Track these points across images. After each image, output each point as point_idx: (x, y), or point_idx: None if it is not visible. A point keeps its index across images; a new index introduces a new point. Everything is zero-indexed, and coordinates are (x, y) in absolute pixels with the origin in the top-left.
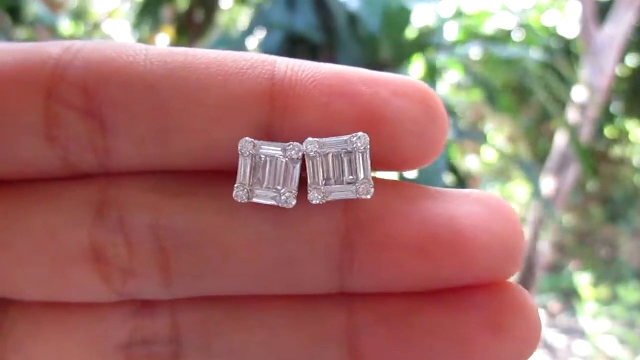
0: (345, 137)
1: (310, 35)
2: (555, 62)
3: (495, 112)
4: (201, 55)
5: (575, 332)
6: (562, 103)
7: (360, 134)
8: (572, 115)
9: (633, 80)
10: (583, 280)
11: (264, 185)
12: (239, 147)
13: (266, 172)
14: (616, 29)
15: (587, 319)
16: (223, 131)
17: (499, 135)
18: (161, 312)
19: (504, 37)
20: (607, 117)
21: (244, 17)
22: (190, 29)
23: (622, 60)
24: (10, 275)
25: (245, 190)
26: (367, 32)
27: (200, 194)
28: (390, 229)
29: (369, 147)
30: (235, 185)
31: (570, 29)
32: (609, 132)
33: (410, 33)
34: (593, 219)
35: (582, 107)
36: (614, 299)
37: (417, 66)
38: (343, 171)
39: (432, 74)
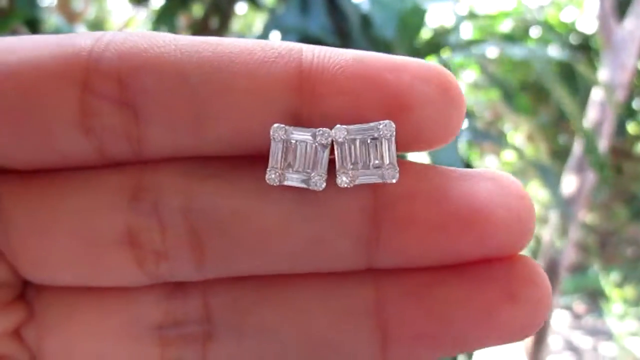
0: (372, 124)
1: (324, 38)
2: (574, 58)
3: (513, 111)
4: (230, 44)
5: (601, 334)
6: (581, 102)
7: (386, 121)
8: (592, 113)
9: None
10: (609, 280)
11: (294, 169)
12: (271, 133)
13: (296, 156)
14: (636, 24)
15: (613, 319)
16: (253, 118)
17: (518, 134)
18: (193, 293)
19: (521, 35)
20: (630, 114)
21: (259, 22)
22: (206, 36)
23: None
24: (48, 261)
25: (277, 174)
26: (381, 34)
27: (230, 177)
28: (412, 208)
29: (394, 133)
30: (268, 169)
31: (589, 25)
32: (631, 128)
33: (425, 33)
34: (617, 218)
35: (602, 105)
36: None
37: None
38: (369, 156)
39: None
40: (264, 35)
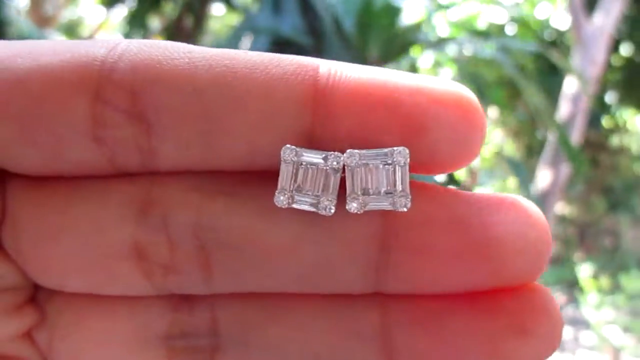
0: (386, 150)
1: (297, 38)
2: (548, 54)
3: (486, 107)
4: (245, 59)
5: (581, 323)
6: (554, 97)
7: (400, 148)
8: (564, 107)
9: (627, 69)
10: (584, 270)
11: (304, 191)
12: (281, 154)
13: (307, 179)
14: (605, 19)
15: (590, 309)
16: (266, 136)
17: (496, 130)
18: (201, 306)
19: (497, 32)
20: (603, 107)
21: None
22: (180, 36)
23: (615, 50)
24: (56, 268)
25: (287, 196)
26: (353, 32)
27: (241, 195)
28: (426, 236)
29: (408, 160)
30: (277, 191)
31: (562, 21)
32: (606, 122)
33: (398, 30)
34: (595, 210)
35: (575, 98)
36: (616, 288)
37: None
38: (381, 182)
39: (415, 72)
40: (237, 36)
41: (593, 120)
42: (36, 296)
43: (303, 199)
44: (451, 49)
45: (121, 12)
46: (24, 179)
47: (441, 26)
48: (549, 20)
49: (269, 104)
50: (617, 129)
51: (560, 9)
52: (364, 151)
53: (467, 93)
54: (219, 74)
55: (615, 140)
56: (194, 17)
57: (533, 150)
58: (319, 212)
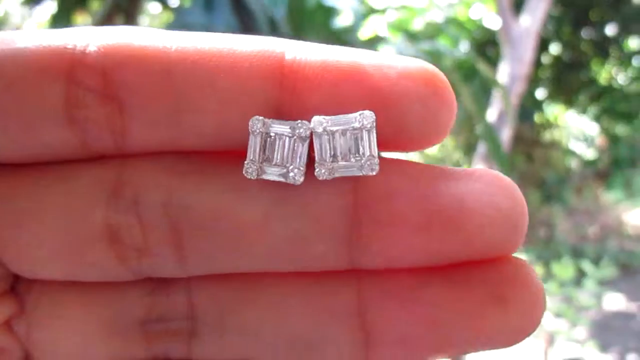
0: (352, 115)
1: None
2: (474, 57)
3: None
4: (214, 39)
5: None
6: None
7: (366, 112)
8: (496, 105)
9: (556, 67)
10: None
11: (273, 163)
12: (249, 125)
13: (275, 150)
14: (531, 20)
15: None
16: (233, 111)
17: None
18: (177, 289)
19: (432, 33)
20: (535, 104)
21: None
22: None
23: (545, 49)
24: (28, 254)
25: (255, 167)
26: (287, 31)
27: (211, 173)
28: (395, 207)
29: (375, 124)
30: (245, 162)
31: (493, 21)
32: (537, 118)
33: (332, 31)
34: (530, 202)
35: (505, 96)
36: (549, 277)
37: None
38: (350, 148)
39: None
40: None
41: (525, 117)
42: (16, 286)
43: (272, 169)
44: (387, 50)
45: (47, 9)
46: None
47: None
48: (481, 20)
49: (236, 79)
50: (549, 124)
51: (491, 10)
52: (330, 117)
53: (436, 70)
54: (187, 53)
55: (547, 135)
56: (124, 16)
57: (471, 147)
58: (288, 182)
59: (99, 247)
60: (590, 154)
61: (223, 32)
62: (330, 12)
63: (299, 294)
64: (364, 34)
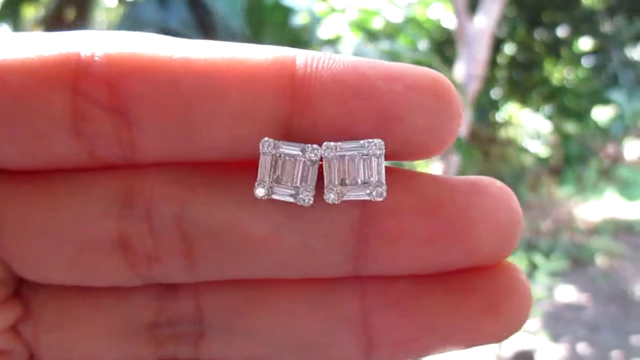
0: (362, 142)
1: (185, 32)
2: (430, 57)
3: None
4: (223, 49)
5: None
6: None
7: (376, 140)
8: None
9: (511, 67)
10: None
11: (283, 183)
12: (260, 146)
13: (285, 171)
14: (486, 21)
15: None
16: (244, 126)
17: None
18: (185, 294)
19: (392, 32)
20: (491, 103)
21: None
22: (60, 28)
23: (500, 49)
24: (40, 262)
25: (265, 187)
26: (245, 28)
27: (222, 185)
28: (401, 222)
29: (384, 152)
30: (256, 183)
31: (451, 21)
32: (493, 116)
33: (290, 29)
34: None
35: (461, 94)
36: None
37: None
38: (358, 173)
39: None
40: (121, 28)
41: (482, 115)
42: (21, 290)
43: (282, 190)
44: (345, 50)
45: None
46: (5, 174)
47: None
48: (440, 20)
49: (247, 94)
50: (505, 122)
51: (448, 10)
52: (340, 143)
53: (443, 79)
54: (196, 65)
55: (503, 133)
56: (75, 9)
57: None
58: (298, 203)
59: (110, 255)
60: (543, 151)
61: (178, 28)
62: (288, 11)
63: (306, 299)
64: (324, 33)
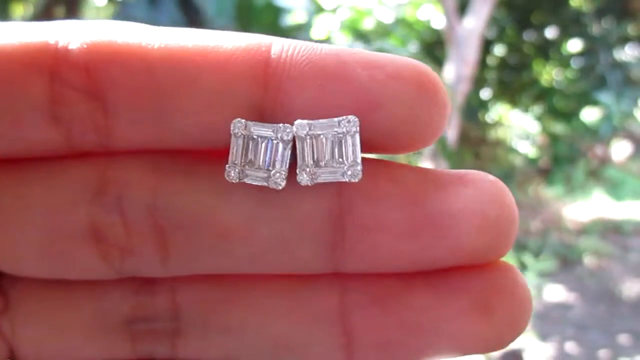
0: (336, 120)
1: None
2: (430, 54)
3: None
4: (198, 36)
5: None
6: None
7: (350, 117)
8: None
9: (500, 68)
10: None
11: (255, 166)
12: (231, 128)
13: (258, 153)
14: (475, 22)
15: None
16: (217, 112)
17: None
18: (161, 290)
19: (383, 32)
20: (480, 104)
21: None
22: None
23: (490, 50)
24: (11, 251)
25: (237, 170)
26: (235, 29)
27: (195, 173)
28: (380, 212)
29: (358, 130)
30: (227, 165)
31: (441, 23)
32: (483, 117)
33: (281, 29)
34: None
35: (450, 95)
36: None
37: None
38: (333, 153)
39: None
40: None
41: (472, 116)
42: (0, 283)
43: (254, 173)
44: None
45: None
46: None
47: (328, 26)
48: (429, 22)
49: (220, 79)
50: (494, 123)
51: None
52: (313, 121)
53: (427, 70)
54: (170, 50)
55: (492, 134)
56: (64, 7)
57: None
58: (270, 186)
59: (82, 245)
60: (532, 151)
61: (167, 26)
62: (279, 11)
63: (282, 295)
64: (315, 33)
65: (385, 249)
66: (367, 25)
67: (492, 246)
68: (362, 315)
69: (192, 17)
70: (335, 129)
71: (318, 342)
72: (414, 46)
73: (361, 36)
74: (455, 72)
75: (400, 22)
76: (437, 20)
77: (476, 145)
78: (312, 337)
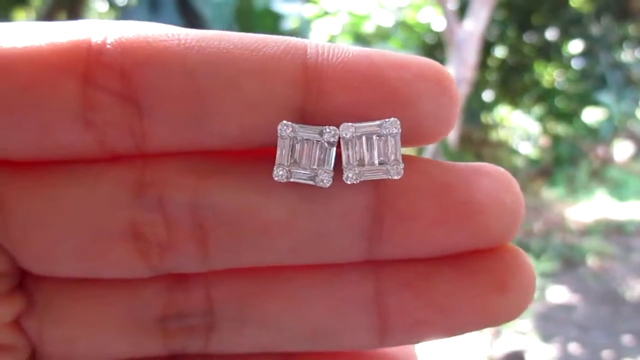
0: (378, 122)
1: None
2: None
3: None
4: (236, 39)
5: None
6: None
7: (392, 119)
8: None
9: (501, 70)
10: None
11: (301, 166)
12: (278, 130)
13: (303, 154)
14: (475, 24)
15: None
16: (258, 115)
17: None
18: (195, 285)
19: (383, 35)
20: (482, 106)
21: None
22: None
23: (491, 52)
24: (47, 253)
25: (285, 170)
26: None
27: (236, 173)
28: (416, 203)
29: (400, 130)
30: (275, 166)
31: (441, 25)
32: (485, 118)
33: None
34: None
35: None
36: None
37: None
38: (375, 153)
39: None
40: None
41: (473, 117)
42: (24, 283)
43: (300, 172)
44: None
45: None
46: (12, 165)
47: (329, 30)
48: (430, 24)
49: (261, 82)
50: (496, 124)
51: (438, 14)
52: (357, 124)
53: (443, 68)
54: (209, 54)
55: (494, 135)
56: (67, 13)
57: (422, 148)
58: (317, 184)
59: (121, 245)
60: (534, 152)
61: None
62: (278, 16)
63: (318, 285)
64: (316, 36)
65: (418, 236)
66: (368, 28)
67: (506, 230)
68: (395, 299)
69: (191, 22)
70: (378, 130)
71: (353, 327)
72: (414, 49)
73: (361, 39)
74: (456, 74)
75: (400, 25)
76: (437, 22)
77: (478, 146)
78: (348, 322)
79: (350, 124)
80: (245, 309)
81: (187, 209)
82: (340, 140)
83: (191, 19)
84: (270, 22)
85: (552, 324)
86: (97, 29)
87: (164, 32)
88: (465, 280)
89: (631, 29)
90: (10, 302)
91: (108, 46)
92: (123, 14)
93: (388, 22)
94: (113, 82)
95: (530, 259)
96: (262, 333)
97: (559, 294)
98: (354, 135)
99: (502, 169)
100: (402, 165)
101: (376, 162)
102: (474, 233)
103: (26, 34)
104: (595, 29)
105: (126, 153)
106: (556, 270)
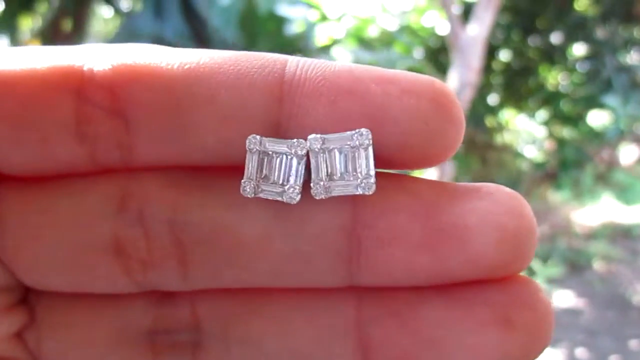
0: (349, 133)
1: (180, 43)
2: (435, 61)
3: None
4: (217, 55)
5: None
6: None
7: (363, 130)
8: None
9: (506, 73)
10: None
11: (270, 181)
12: (247, 144)
13: (272, 168)
14: (479, 28)
15: None
16: (233, 128)
17: None
18: (182, 302)
19: (388, 40)
20: (487, 109)
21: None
22: (57, 40)
23: (495, 56)
24: (38, 266)
25: (252, 185)
26: (240, 38)
27: (213, 189)
28: (395, 224)
29: (371, 142)
30: (242, 180)
31: (445, 29)
32: (490, 122)
33: (284, 38)
34: None
35: None
36: None
37: None
38: (347, 167)
39: None
40: (118, 40)
41: (478, 121)
42: (27, 297)
43: (269, 188)
44: (340, 57)
45: None
46: (9, 179)
47: (333, 34)
48: (434, 28)
49: (236, 96)
50: (501, 128)
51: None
52: (326, 135)
53: (442, 85)
54: (189, 69)
55: (499, 139)
56: (72, 20)
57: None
58: (285, 200)
59: (105, 260)
60: (539, 156)
61: (173, 38)
62: (282, 20)
63: (301, 308)
64: (319, 40)
65: (401, 262)
66: (372, 32)
67: (511, 259)
68: (379, 328)
69: (196, 27)
70: (349, 142)
71: (335, 354)
72: (418, 53)
73: (366, 44)
74: (460, 78)
75: (405, 29)
76: (441, 26)
77: (483, 150)
78: (329, 349)
79: (318, 135)
80: (230, 328)
81: (165, 225)
82: (309, 152)
83: (195, 24)
84: (275, 26)
85: (558, 328)
86: (91, 52)
87: (150, 53)
88: (458, 311)
89: (636, 31)
90: (14, 315)
91: (100, 66)
92: (128, 19)
93: (392, 26)
94: (104, 98)
95: (537, 265)
96: (246, 354)
97: (565, 298)
98: (322, 147)
99: (509, 190)
100: (373, 180)
101: (348, 176)
102: (467, 261)
103: (27, 56)
104: (600, 32)
105: (114, 166)
106: (562, 275)
